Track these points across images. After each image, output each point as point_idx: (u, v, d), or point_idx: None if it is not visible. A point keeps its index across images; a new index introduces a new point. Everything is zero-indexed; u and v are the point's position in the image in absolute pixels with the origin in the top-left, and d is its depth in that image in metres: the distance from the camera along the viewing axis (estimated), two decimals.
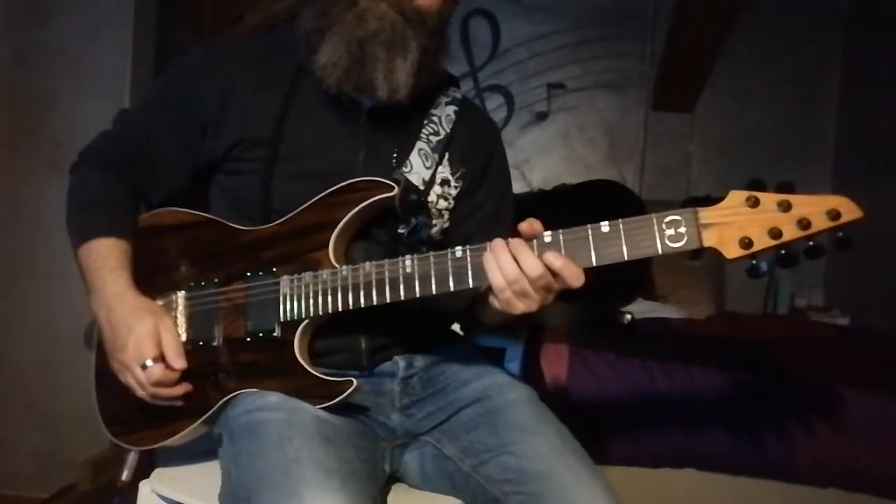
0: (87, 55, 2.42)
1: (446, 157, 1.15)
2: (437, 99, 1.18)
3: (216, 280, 1.08)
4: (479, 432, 1.06)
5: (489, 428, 1.05)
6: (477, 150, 1.20)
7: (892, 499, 1.66)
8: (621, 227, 0.88)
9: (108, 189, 1.15)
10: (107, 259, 1.08)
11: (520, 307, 0.92)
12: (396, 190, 1.03)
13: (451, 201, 1.15)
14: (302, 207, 1.05)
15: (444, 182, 1.14)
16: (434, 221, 1.13)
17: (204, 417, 1.05)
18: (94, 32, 2.42)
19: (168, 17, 2.70)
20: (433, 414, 1.12)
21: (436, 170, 1.13)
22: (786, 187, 0.84)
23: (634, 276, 2.50)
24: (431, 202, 1.12)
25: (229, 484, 0.96)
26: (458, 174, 1.16)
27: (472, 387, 1.11)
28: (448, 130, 1.16)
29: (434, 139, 1.14)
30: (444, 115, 1.17)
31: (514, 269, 0.89)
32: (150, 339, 1.01)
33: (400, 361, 1.12)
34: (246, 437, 0.97)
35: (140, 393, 1.03)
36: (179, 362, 1.02)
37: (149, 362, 1.00)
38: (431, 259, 0.95)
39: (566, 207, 2.60)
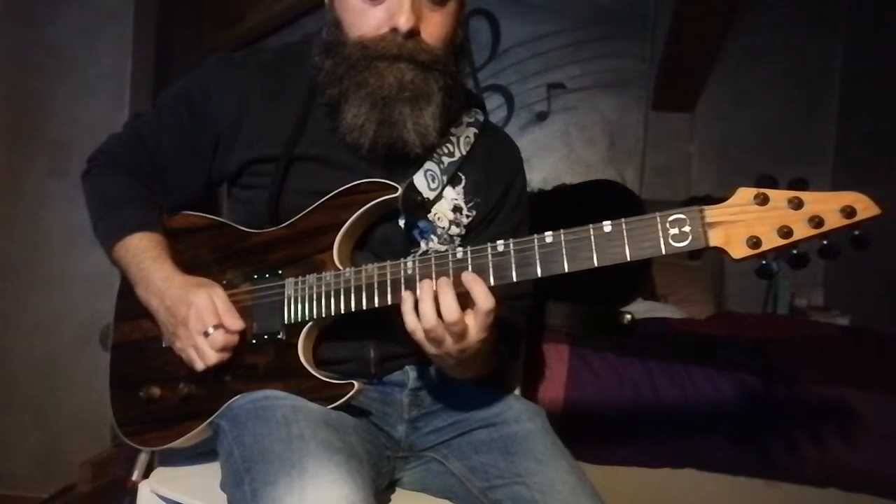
0: (87, 55, 2.43)
1: (462, 183, 1.14)
2: (458, 118, 1.16)
3: (223, 283, 1.09)
4: (491, 456, 1.05)
5: (503, 454, 1.04)
6: (493, 180, 1.18)
7: (892, 499, 1.66)
8: (624, 226, 0.85)
9: (129, 188, 1.16)
10: (146, 251, 1.09)
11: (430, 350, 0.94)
12: (400, 191, 1.03)
13: (463, 229, 1.14)
14: (307, 210, 1.06)
15: (457, 209, 1.14)
16: (445, 248, 1.11)
17: (211, 419, 1.05)
18: (94, 32, 2.43)
19: (168, 17, 2.71)
20: (441, 430, 1.11)
21: (441, 191, 1.12)
22: (799, 184, 0.81)
23: (635, 276, 2.50)
24: (443, 227, 1.12)
25: (230, 463, 0.95)
26: (471, 203, 1.15)
27: (487, 409, 1.10)
28: (463, 153, 1.14)
29: (447, 160, 1.12)
30: (462, 137, 1.15)
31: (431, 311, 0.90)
32: (207, 309, 1.02)
33: (410, 372, 1.12)
34: (252, 420, 0.97)
35: (200, 366, 1.03)
36: (237, 324, 1.03)
37: (210, 329, 1.02)
38: (433, 260, 0.94)
39: (566, 207, 2.59)
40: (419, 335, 0.92)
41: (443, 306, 0.89)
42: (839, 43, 3.35)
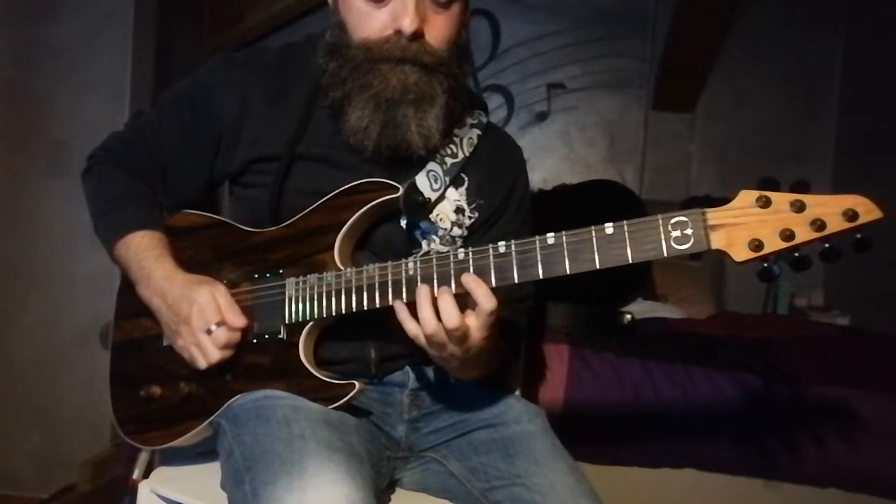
0: (87, 55, 2.43)
1: (464, 185, 1.14)
2: (462, 119, 1.15)
3: (224, 282, 1.08)
4: (491, 457, 1.05)
5: (504, 455, 1.04)
6: (496, 182, 1.18)
7: (892, 499, 1.66)
8: (626, 228, 0.85)
9: (130, 186, 1.16)
10: (147, 249, 1.09)
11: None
12: (401, 191, 1.03)
13: (465, 231, 1.14)
14: (308, 210, 1.06)
15: (459, 210, 1.13)
16: (446, 249, 1.10)
17: (211, 418, 1.05)
18: (94, 32, 2.43)
19: (168, 17, 2.71)
20: (441, 430, 1.11)
21: (444, 192, 1.12)
22: (800, 187, 0.80)
23: (635, 276, 2.50)
24: (445, 229, 1.12)
25: (231, 462, 0.94)
26: (473, 205, 1.15)
27: (487, 409, 1.10)
28: (466, 154, 1.14)
29: (450, 161, 1.12)
30: (465, 138, 1.15)
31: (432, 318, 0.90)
32: (210, 306, 1.02)
33: (411, 372, 1.12)
34: (252, 419, 0.97)
35: (202, 363, 1.03)
36: (240, 320, 1.03)
37: (213, 327, 1.02)
38: (434, 261, 0.94)
39: (566, 208, 2.59)
40: (421, 340, 0.92)
41: (443, 313, 0.89)
42: (839, 42, 3.35)
